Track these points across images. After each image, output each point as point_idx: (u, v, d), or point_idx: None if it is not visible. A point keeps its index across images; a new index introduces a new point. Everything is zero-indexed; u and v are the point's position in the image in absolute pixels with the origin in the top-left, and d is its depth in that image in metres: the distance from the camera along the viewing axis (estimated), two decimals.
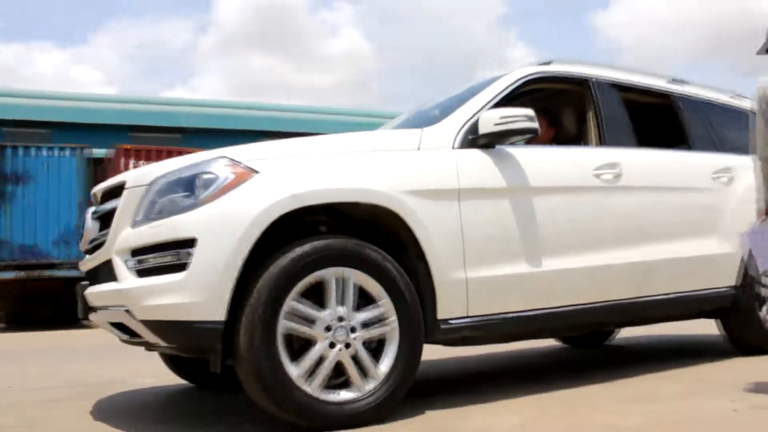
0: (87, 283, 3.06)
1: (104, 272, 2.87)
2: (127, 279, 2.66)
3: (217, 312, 2.50)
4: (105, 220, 3.03)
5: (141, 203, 2.72)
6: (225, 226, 2.54)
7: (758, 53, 3.46)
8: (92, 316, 3.01)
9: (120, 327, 2.87)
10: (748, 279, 4.13)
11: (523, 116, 3.17)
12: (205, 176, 2.65)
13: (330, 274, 2.69)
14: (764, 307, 4.22)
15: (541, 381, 3.69)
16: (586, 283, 3.42)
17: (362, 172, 2.87)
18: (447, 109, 3.64)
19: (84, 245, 3.18)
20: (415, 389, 3.06)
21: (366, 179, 2.85)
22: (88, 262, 3.10)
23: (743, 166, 4.14)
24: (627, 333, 6.23)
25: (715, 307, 4.12)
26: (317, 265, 2.66)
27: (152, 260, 2.61)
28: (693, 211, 4.00)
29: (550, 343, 5.85)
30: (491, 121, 3.18)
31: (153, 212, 2.69)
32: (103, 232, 3.01)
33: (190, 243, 2.52)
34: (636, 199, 3.71)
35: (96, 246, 3.02)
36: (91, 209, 3.19)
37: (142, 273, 2.63)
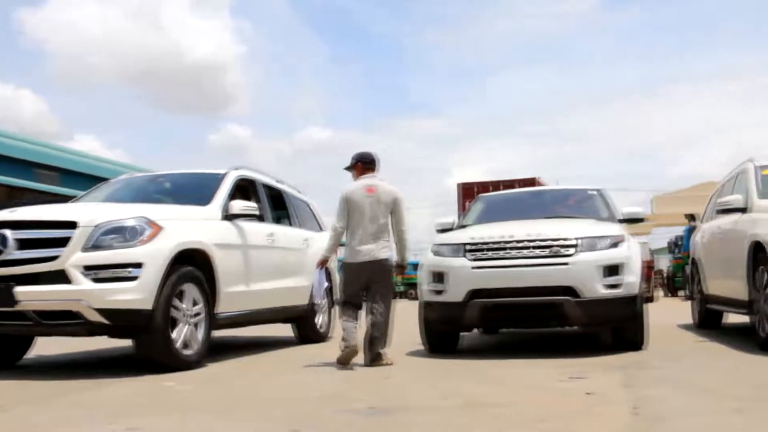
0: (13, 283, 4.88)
1: (49, 278, 4.87)
2: (84, 283, 4.85)
3: (151, 303, 5.01)
4: (26, 243, 4.98)
5: (90, 237, 4.94)
6: (156, 256, 5.08)
7: (345, 168, 6.33)
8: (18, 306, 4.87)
9: (45, 315, 4.90)
10: (310, 300, 8.04)
11: (254, 207, 6.41)
12: (138, 227, 5.10)
13: (189, 285, 5.44)
14: (320, 317, 8.22)
15: None
16: (267, 296, 6.81)
17: (197, 232, 5.69)
18: (187, 188, 6.65)
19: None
20: None
21: (199, 236, 5.68)
22: (14, 269, 4.91)
23: (314, 237, 8.14)
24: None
25: (297, 315, 7.91)
26: (185, 280, 5.38)
27: (105, 273, 4.90)
28: (295, 261, 7.73)
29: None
30: (238, 207, 6.30)
31: (98, 243, 4.96)
32: (26, 251, 4.95)
33: (139, 265, 4.96)
34: (280, 253, 7.26)
35: (20, 260, 4.92)
36: (9, 232, 4.96)
37: (97, 280, 4.88)
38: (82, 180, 27.18)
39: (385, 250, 5.70)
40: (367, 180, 5.86)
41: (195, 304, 5.55)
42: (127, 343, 7.18)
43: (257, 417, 3.59)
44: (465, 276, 5.85)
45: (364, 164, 5.96)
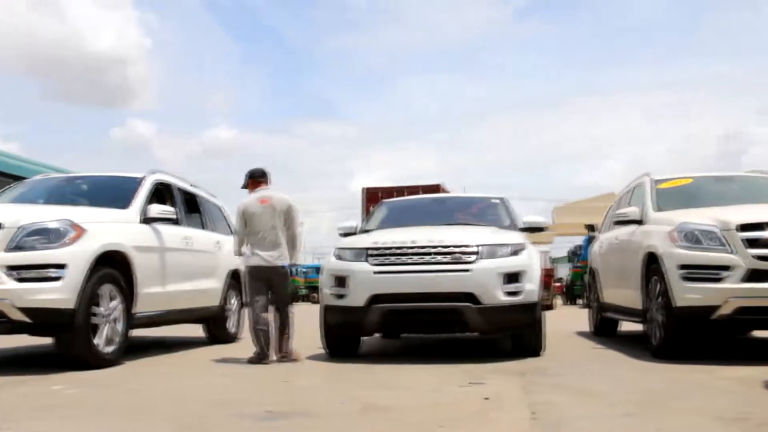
0: None
1: None
2: (7, 283, 5.15)
3: (74, 303, 5.35)
4: None
5: (13, 238, 5.25)
6: (80, 257, 5.43)
7: (242, 187, 7.11)
8: None
9: None
10: (221, 302, 8.45)
11: (171, 211, 6.81)
12: (62, 229, 5.43)
13: (108, 286, 5.80)
14: (230, 318, 8.64)
15: None
16: (182, 297, 7.21)
17: (118, 234, 6.05)
18: (105, 190, 6.97)
19: None
20: None
21: (120, 238, 6.04)
22: None
23: (225, 240, 8.55)
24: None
25: (209, 316, 8.30)
26: (105, 281, 5.74)
27: (29, 273, 5.21)
28: (208, 263, 8.13)
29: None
30: (156, 211, 6.69)
31: (22, 244, 5.26)
32: None
33: (62, 266, 5.30)
34: (194, 256, 7.66)
35: None
36: None
37: (21, 280, 5.18)
38: None
39: (282, 258, 6.33)
40: (261, 192, 6.50)
41: (114, 304, 5.91)
42: (19, 343, 7.53)
43: (146, 421, 3.61)
44: (366, 281, 6.00)
45: (255, 179, 6.61)
